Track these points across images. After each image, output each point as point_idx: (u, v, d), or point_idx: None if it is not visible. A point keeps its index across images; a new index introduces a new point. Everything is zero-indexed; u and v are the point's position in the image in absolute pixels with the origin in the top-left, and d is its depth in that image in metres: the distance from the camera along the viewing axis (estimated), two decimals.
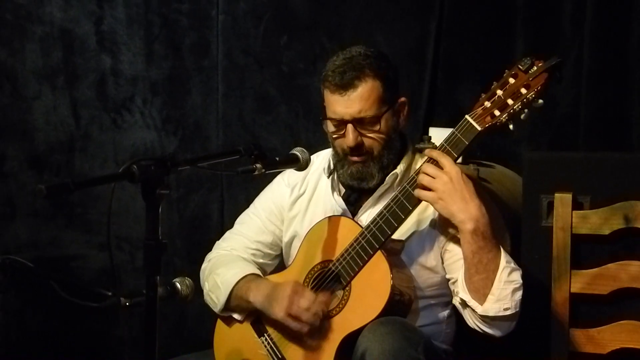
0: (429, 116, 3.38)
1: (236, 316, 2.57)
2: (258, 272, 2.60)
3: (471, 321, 2.36)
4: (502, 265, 2.28)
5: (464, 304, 2.34)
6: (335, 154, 2.51)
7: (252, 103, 3.59)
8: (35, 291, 3.27)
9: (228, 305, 2.54)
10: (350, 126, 2.40)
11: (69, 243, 3.69)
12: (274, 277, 2.57)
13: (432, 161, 2.32)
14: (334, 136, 2.47)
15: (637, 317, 2.53)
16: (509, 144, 3.27)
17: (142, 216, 1.89)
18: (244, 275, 2.54)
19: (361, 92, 2.39)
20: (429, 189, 2.29)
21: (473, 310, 2.32)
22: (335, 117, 2.43)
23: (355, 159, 2.45)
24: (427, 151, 2.35)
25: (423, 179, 2.29)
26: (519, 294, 2.29)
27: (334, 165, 2.53)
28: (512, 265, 2.31)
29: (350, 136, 2.41)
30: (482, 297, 2.29)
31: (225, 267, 2.59)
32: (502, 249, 2.31)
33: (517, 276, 2.30)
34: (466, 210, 2.26)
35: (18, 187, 3.67)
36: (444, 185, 2.26)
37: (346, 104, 2.40)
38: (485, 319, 2.31)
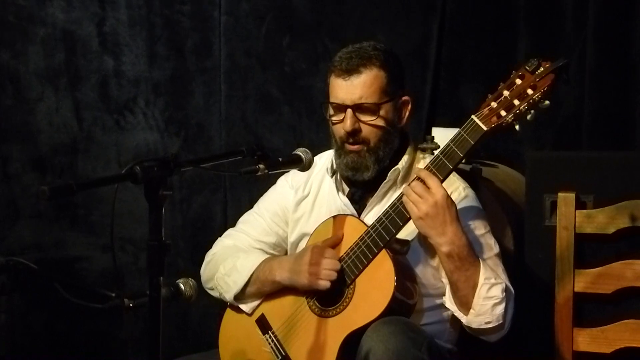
0: (432, 116, 3.38)
1: (244, 307, 2.56)
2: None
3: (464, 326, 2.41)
4: (480, 282, 2.30)
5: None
6: (334, 142, 2.52)
7: (255, 104, 3.59)
8: (39, 293, 3.26)
9: (242, 292, 2.54)
10: (349, 111, 2.43)
11: (72, 244, 3.69)
12: None
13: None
14: (333, 120, 2.49)
15: None
16: (512, 143, 3.26)
17: (145, 217, 1.89)
18: (263, 259, 2.55)
19: (364, 79, 2.42)
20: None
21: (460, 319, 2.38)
22: (337, 102, 2.46)
23: (351, 147, 2.46)
24: (416, 171, 2.35)
25: (410, 195, 2.30)
26: (500, 308, 2.31)
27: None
28: (492, 280, 2.32)
29: (348, 121, 2.43)
30: (465, 310, 2.34)
31: (244, 252, 2.60)
32: (482, 265, 2.32)
33: (496, 291, 2.31)
34: (443, 234, 2.28)
35: (21, 189, 3.68)
36: (428, 208, 2.27)
37: (348, 89, 2.42)
38: (470, 329, 2.36)
